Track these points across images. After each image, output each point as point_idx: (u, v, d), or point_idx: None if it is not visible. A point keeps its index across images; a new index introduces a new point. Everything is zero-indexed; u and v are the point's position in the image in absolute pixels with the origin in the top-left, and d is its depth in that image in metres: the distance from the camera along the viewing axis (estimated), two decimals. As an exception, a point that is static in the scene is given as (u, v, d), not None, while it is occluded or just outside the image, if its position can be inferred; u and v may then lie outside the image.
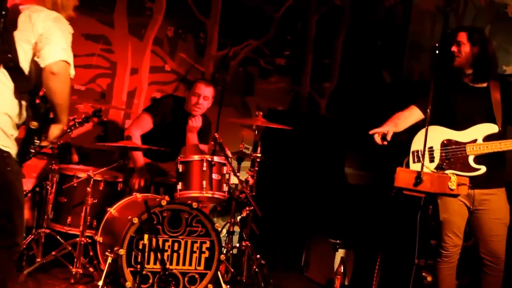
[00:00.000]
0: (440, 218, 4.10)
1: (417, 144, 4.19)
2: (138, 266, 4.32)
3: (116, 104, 5.89)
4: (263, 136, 5.31)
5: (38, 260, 4.71)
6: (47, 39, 2.96)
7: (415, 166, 4.09)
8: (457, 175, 3.83)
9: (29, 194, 5.21)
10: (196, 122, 5.31)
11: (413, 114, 4.34)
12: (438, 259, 4.14)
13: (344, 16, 6.92)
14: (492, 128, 4.02)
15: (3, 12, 2.60)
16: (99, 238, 4.66)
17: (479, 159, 4.02)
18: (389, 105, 6.86)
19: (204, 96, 5.30)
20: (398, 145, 6.29)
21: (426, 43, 7.16)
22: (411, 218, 4.30)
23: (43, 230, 4.82)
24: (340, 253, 5.46)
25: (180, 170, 4.79)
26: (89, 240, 4.72)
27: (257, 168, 5.24)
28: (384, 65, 7.07)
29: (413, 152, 4.20)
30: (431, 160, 4.13)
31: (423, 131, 3.98)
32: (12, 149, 3.08)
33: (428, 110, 3.83)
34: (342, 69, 6.94)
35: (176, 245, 4.54)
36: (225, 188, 4.86)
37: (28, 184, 5.43)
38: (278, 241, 6.08)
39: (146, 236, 4.33)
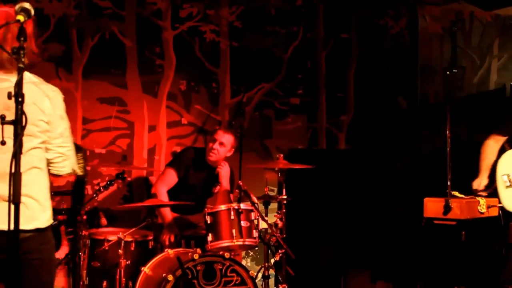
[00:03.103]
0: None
1: (505, 167, 4.04)
2: (179, 323, 4.30)
3: (137, 162, 5.96)
4: (286, 176, 5.32)
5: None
6: None
7: (508, 192, 3.92)
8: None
9: (63, 262, 5.24)
10: (224, 166, 5.34)
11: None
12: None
13: (352, 48, 6.97)
14: None
15: (20, 99, 2.62)
16: (136, 299, 4.64)
17: None
18: (409, 130, 6.91)
19: (221, 142, 5.34)
20: (425, 171, 6.31)
21: (437, 65, 7.19)
22: (447, 246, 4.26)
23: (80, 296, 4.84)
24: (379, 285, 5.41)
25: (209, 221, 4.78)
26: (127, 302, 4.71)
27: (284, 210, 5.23)
28: (398, 91, 7.08)
29: (503, 176, 4.04)
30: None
31: (508, 154, 3.86)
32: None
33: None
34: (356, 101, 6.96)
35: (213, 297, 4.53)
36: (255, 234, 4.85)
37: (60, 252, 5.47)
38: (315, 280, 6.02)
39: (182, 292, 4.34)
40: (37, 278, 3.02)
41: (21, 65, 2.58)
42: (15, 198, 2.56)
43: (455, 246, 4.17)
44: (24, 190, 2.79)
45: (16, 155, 2.58)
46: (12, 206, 2.57)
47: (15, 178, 2.59)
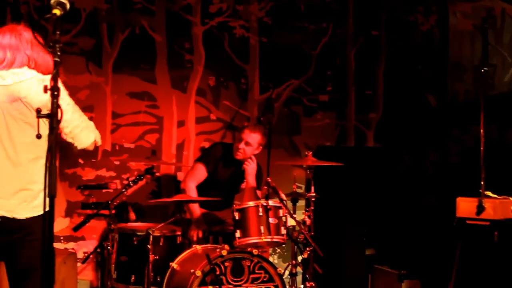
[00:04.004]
0: None
1: None
2: (206, 319, 4.31)
3: (166, 157, 5.97)
4: (314, 173, 5.29)
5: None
6: None
7: None
8: None
9: (91, 256, 5.27)
10: (250, 164, 5.33)
11: None
12: None
13: (382, 45, 6.91)
14: None
15: (55, 92, 2.63)
16: (164, 294, 4.65)
17: None
18: (438, 128, 6.84)
19: (247, 141, 5.32)
20: (454, 170, 6.24)
21: (468, 63, 7.09)
22: (479, 247, 4.20)
23: (109, 290, 4.86)
24: (406, 284, 5.37)
25: (237, 217, 4.78)
26: (155, 297, 4.72)
27: (312, 208, 5.21)
28: (428, 89, 7.01)
29: None
30: None
31: None
32: None
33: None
34: (386, 98, 6.90)
35: (241, 294, 4.53)
36: (283, 231, 4.83)
37: (89, 245, 5.52)
38: (342, 278, 6.00)
39: (210, 288, 4.34)
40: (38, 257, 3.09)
41: (57, 59, 2.60)
42: (51, 191, 2.57)
43: (487, 247, 4.11)
44: (31, 177, 3.11)
45: (52, 149, 2.60)
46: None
47: (51, 172, 2.60)
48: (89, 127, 3.33)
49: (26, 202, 3.16)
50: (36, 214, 3.17)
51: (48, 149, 2.58)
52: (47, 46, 2.91)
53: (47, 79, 2.81)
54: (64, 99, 3.15)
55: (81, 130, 3.25)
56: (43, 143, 2.86)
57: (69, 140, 3.24)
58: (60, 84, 2.79)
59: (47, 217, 2.62)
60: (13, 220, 3.15)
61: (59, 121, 2.59)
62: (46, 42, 3.30)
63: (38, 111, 2.64)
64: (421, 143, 6.73)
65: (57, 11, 2.64)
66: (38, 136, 2.77)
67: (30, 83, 3.16)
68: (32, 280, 3.26)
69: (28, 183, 3.17)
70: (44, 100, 2.95)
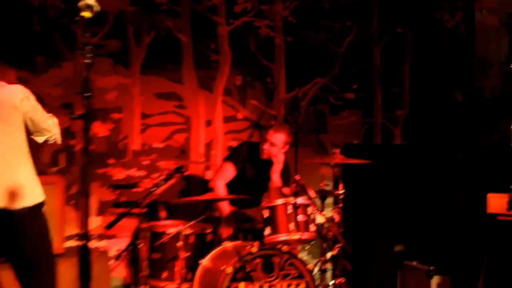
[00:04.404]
0: None
1: None
2: (239, 315, 4.33)
3: (194, 157, 6.00)
4: (342, 171, 5.29)
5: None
6: None
7: None
8: None
9: (124, 253, 5.33)
10: (275, 165, 5.34)
11: None
12: None
13: (408, 42, 6.89)
14: None
15: (88, 94, 2.68)
16: (195, 291, 4.68)
17: None
18: (465, 125, 6.81)
19: (272, 142, 5.32)
20: (483, 166, 6.20)
21: (494, 58, 7.05)
22: (509, 241, 4.17)
23: (141, 287, 4.89)
24: (435, 280, 5.35)
25: (266, 215, 4.78)
26: (186, 293, 4.75)
27: (341, 205, 5.21)
28: (454, 86, 6.98)
29: None
30: None
31: None
32: None
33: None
34: (412, 95, 6.89)
35: (272, 290, 4.54)
36: (312, 228, 4.84)
37: (121, 243, 5.57)
38: (371, 275, 5.99)
39: (242, 284, 4.37)
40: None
41: (88, 61, 2.67)
42: (85, 191, 2.65)
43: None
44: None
45: (86, 150, 2.65)
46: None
47: (85, 173, 2.65)
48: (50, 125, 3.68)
49: None
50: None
51: (83, 150, 2.66)
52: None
53: None
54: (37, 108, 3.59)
55: (55, 134, 3.68)
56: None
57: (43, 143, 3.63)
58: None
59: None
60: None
61: (92, 121, 2.67)
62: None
63: (72, 112, 2.76)
64: (448, 139, 6.70)
65: (86, 14, 2.69)
66: None
67: None
68: (38, 273, 3.49)
69: None
70: None
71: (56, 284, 3.66)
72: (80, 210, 2.74)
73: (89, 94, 2.67)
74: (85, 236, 2.72)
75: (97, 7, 2.73)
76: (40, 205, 3.55)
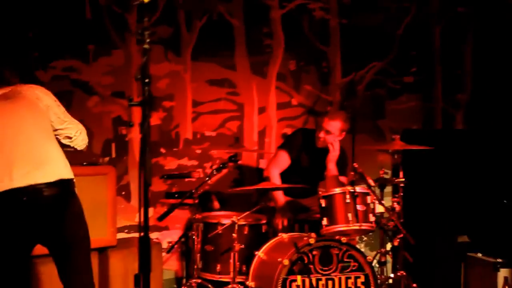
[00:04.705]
0: None
1: None
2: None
3: (247, 145, 5.89)
4: (402, 157, 5.10)
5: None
6: None
7: None
8: None
9: (176, 245, 5.25)
10: (331, 152, 5.18)
11: None
12: None
13: (470, 22, 6.61)
14: None
15: (147, 80, 2.62)
16: (250, 283, 4.60)
17: None
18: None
19: (328, 130, 5.17)
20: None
21: None
22: None
23: (194, 280, 4.83)
24: (503, 272, 5.16)
25: (323, 205, 4.68)
26: (241, 286, 4.67)
27: (401, 194, 5.03)
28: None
29: None
30: None
31: None
32: None
33: None
34: (475, 78, 6.62)
35: (330, 283, 4.44)
36: (372, 218, 4.70)
37: (173, 235, 5.50)
38: (434, 267, 5.79)
39: (299, 277, 4.29)
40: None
41: (146, 46, 2.63)
42: (147, 181, 2.63)
43: None
44: None
45: (145, 137, 2.62)
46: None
47: (146, 160, 2.62)
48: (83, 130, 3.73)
49: None
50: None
51: (142, 138, 2.63)
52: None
53: None
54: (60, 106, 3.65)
55: (80, 134, 3.69)
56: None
57: (67, 143, 3.65)
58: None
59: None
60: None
61: (151, 109, 2.66)
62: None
63: (130, 99, 2.71)
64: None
65: None
66: (131, 124, 3.01)
67: None
68: (73, 254, 3.50)
69: None
70: None
71: (91, 268, 3.65)
72: (140, 200, 2.69)
73: (148, 80, 2.60)
74: (145, 227, 2.70)
75: None
76: (70, 183, 3.52)
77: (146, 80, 2.62)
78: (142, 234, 2.71)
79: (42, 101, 3.55)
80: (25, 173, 3.35)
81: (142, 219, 2.68)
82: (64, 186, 3.45)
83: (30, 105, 3.52)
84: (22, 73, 3.74)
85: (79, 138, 3.68)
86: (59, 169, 3.46)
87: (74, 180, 3.55)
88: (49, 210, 3.39)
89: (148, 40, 2.61)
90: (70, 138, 3.63)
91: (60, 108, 3.64)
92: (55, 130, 3.60)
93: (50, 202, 3.38)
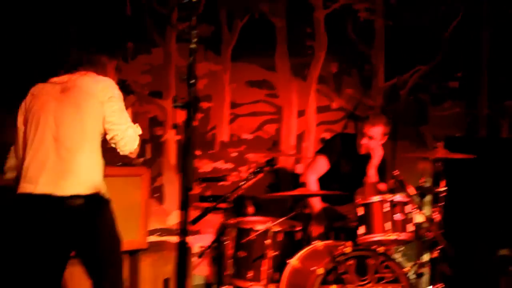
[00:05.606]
0: None
1: None
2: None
3: (285, 149, 5.84)
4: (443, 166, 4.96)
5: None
6: None
7: None
8: None
9: (207, 251, 5.20)
10: (373, 158, 5.07)
11: None
12: None
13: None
14: None
15: (192, 81, 2.56)
16: (283, 292, 4.50)
17: None
18: None
19: (370, 135, 5.06)
20: None
21: None
22: None
23: (225, 287, 4.75)
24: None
25: (360, 213, 4.55)
26: (273, 295, 4.58)
27: (442, 203, 4.89)
28: None
29: None
30: None
31: None
32: None
33: None
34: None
35: (365, 294, 4.33)
36: (410, 228, 4.56)
37: (205, 240, 5.44)
38: (473, 280, 5.64)
39: (333, 287, 4.21)
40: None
41: (193, 46, 2.60)
42: (188, 183, 2.59)
43: None
44: None
45: (190, 139, 2.58)
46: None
47: (188, 163, 2.59)
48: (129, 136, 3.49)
49: None
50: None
51: (185, 140, 2.58)
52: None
53: None
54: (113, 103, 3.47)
55: (121, 138, 3.44)
56: None
57: (112, 144, 3.47)
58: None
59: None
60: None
61: (196, 110, 2.61)
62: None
63: (175, 100, 2.64)
64: None
65: None
66: (175, 126, 2.82)
67: None
68: (104, 269, 3.46)
69: None
70: None
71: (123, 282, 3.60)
72: (179, 203, 2.67)
73: (194, 81, 2.58)
74: (184, 231, 2.66)
75: None
76: (99, 198, 3.43)
77: (192, 81, 2.58)
78: (181, 239, 2.67)
79: (96, 97, 3.42)
80: (50, 181, 3.32)
81: (181, 224, 2.66)
82: (85, 200, 3.37)
83: (80, 103, 3.40)
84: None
85: (121, 143, 3.49)
86: (80, 183, 3.38)
87: (100, 192, 3.45)
88: (68, 221, 3.36)
89: (195, 40, 2.58)
90: (113, 139, 3.49)
91: (112, 106, 3.46)
92: (104, 128, 3.49)
93: (71, 214, 3.35)
